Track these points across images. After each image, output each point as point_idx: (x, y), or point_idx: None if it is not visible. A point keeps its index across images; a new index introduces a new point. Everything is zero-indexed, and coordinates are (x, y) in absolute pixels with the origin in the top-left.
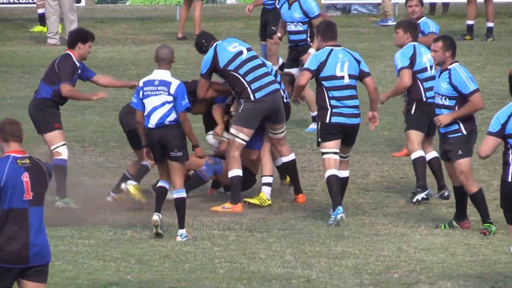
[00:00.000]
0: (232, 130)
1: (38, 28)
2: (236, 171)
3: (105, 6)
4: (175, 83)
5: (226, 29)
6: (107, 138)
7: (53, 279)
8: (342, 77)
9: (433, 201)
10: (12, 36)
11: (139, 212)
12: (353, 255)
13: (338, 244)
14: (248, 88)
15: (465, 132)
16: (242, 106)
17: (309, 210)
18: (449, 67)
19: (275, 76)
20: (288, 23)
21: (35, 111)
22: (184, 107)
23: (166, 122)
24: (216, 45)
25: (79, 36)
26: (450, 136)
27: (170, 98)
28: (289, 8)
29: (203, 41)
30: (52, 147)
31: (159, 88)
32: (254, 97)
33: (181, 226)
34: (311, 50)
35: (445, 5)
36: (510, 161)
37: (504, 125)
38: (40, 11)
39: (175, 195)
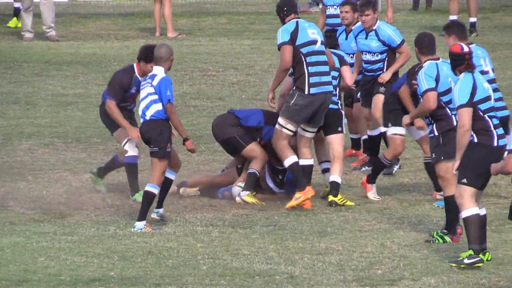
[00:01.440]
0: (280, 120)
1: (12, 23)
2: (291, 158)
3: (88, 1)
4: (160, 76)
5: (209, 24)
6: (89, 134)
7: (36, 275)
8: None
9: (417, 197)
10: None
11: (122, 208)
12: (336, 251)
13: (322, 240)
14: (306, 79)
15: (437, 134)
16: (294, 99)
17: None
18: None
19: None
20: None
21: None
22: (167, 98)
23: (147, 116)
24: (298, 21)
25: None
26: (430, 138)
27: (152, 90)
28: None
29: (285, 8)
30: (122, 145)
31: (147, 80)
32: (309, 91)
33: (140, 218)
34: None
35: (429, 1)
36: (492, 128)
37: (472, 95)
38: (16, 5)
39: (147, 188)
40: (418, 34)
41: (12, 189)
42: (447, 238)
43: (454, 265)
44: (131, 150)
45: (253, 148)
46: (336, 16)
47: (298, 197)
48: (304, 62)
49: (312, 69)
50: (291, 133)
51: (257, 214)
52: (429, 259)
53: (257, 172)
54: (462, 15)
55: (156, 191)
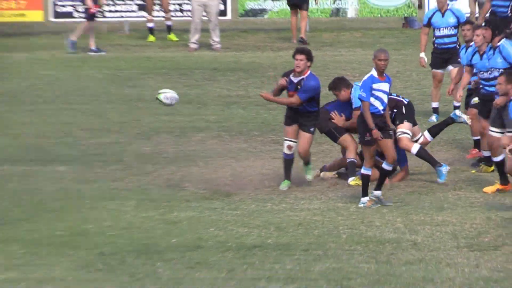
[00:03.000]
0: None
1: (151, 38)
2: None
3: (247, 19)
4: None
5: (347, 38)
6: (250, 128)
7: (208, 242)
8: None
9: None
10: (169, 44)
11: (276, 188)
12: (451, 223)
13: (439, 214)
14: None
15: None
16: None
17: (416, 186)
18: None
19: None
20: (441, 29)
21: None
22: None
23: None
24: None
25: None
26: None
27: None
28: (443, 16)
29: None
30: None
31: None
32: None
33: (363, 195)
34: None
35: None
36: None
37: None
38: (149, 25)
39: (362, 171)
40: None
41: (187, 173)
42: None
43: None
44: (285, 148)
45: (345, 139)
46: (448, 36)
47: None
48: None
49: None
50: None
51: (387, 193)
52: None
53: (354, 160)
54: None
55: (369, 172)
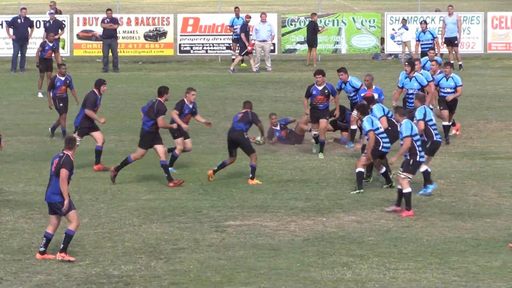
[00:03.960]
0: None
1: (243, 65)
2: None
3: (286, 54)
4: None
5: (341, 64)
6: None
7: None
8: None
9: None
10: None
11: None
12: None
13: None
14: None
15: None
16: None
17: None
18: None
19: None
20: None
21: None
22: None
23: None
24: None
25: None
26: None
27: None
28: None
29: None
30: None
31: None
32: None
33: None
34: None
35: None
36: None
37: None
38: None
39: None
40: None
41: None
42: None
43: None
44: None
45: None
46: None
47: None
48: None
49: None
50: None
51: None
52: None
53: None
54: None
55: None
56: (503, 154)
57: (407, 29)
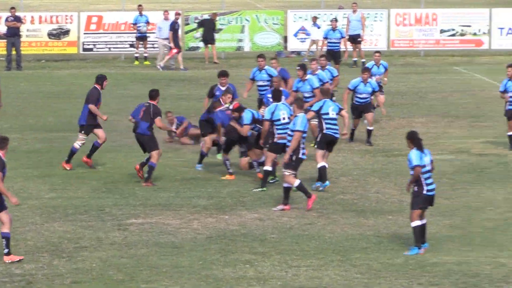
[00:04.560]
0: None
1: (146, 62)
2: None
3: (191, 52)
4: None
5: (245, 62)
6: None
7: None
8: None
9: None
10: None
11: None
12: None
13: None
14: None
15: None
16: None
17: None
18: None
19: None
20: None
21: None
22: None
23: None
24: None
25: None
26: None
27: None
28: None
29: None
30: None
31: None
32: None
33: None
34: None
35: None
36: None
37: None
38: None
39: None
40: None
41: None
42: None
43: None
44: None
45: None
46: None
47: None
48: None
49: None
50: None
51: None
52: None
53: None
54: None
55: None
56: (405, 151)
57: (318, 27)
